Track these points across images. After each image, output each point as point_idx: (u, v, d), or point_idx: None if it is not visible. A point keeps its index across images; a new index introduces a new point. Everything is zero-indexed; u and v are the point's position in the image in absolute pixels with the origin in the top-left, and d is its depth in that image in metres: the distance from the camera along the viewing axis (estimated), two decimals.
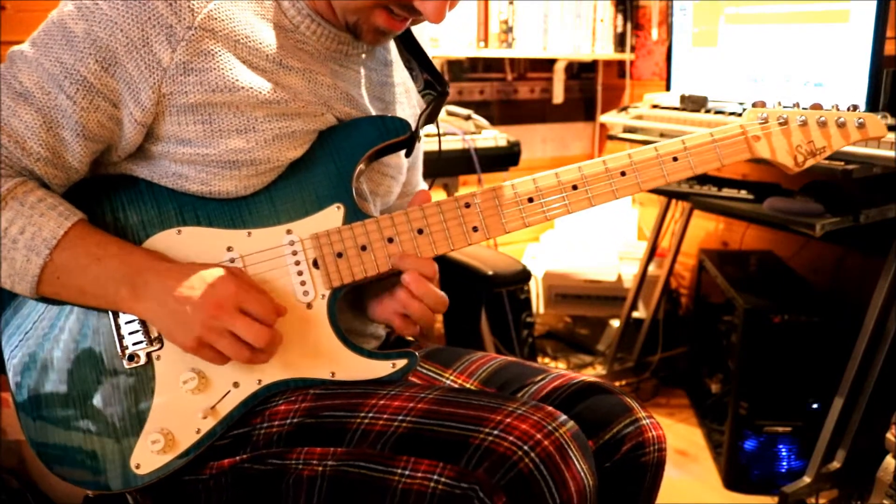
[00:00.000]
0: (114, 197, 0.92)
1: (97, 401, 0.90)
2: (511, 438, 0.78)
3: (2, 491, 1.30)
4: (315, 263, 0.91)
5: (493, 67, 2.96)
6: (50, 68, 0.84)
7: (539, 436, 0.79)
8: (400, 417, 0.83)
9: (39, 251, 0.84)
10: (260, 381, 0.90)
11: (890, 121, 1.64)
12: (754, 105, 0.99)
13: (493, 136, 2.22)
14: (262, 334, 0.83)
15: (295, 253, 0.91)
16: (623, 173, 0.94)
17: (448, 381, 1.04)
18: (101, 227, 0.90)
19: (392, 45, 1.05)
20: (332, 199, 0.91)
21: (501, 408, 0.82)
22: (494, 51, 2.76)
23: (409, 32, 1.01)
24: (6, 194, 0.85)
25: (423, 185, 1.19)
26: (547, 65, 3.08)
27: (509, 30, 2.77)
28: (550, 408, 0.84)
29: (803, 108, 0.99)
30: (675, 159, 0.95)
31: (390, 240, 0.91)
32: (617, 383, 2.61)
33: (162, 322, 0.85)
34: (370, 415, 0.85)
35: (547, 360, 2.81)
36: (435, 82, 1.01)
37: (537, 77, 3.09)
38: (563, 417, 0.83)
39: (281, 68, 0.89)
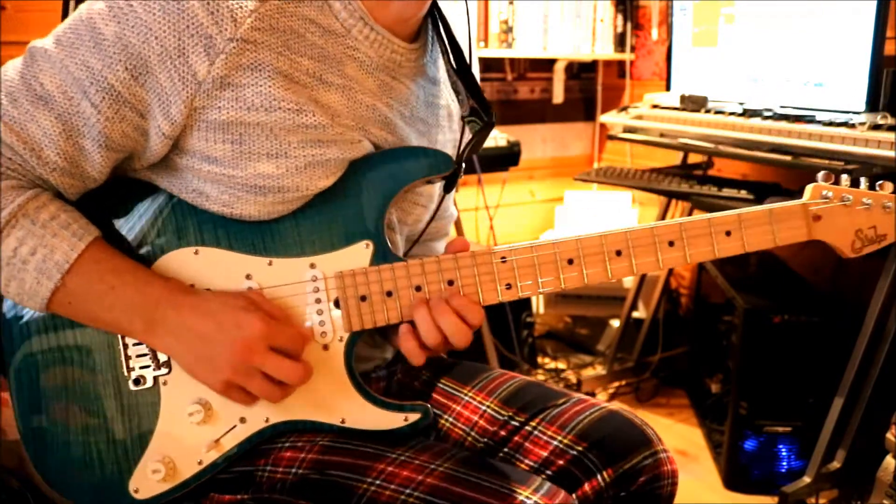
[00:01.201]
0: (132, 206, 0.87)
1: (98, 418, 0.87)
2: None
3: (2, 491, 1.30)
4: (336, 303, 0.86)
5: (493, 67, 2.96)
6: (75, 72, 0.78)
7: None
8: (408, 491, 0.81)
9: (51, 275, 0.80)
10: (268, 419, 0.87)
11: (890, 121, 1.64)
12: (820, 181, 0.93)
13: (493, 136, 2.22)
14: (296, 372, 0.81)
15: (317, 290, 0.86)
16: (671, 243, 0.89)
17: (466, 399, 1.02)
18: (116, 238, 0.86)
19: (441, 63, 0.97)
20: (361, 235, 0.86)
21: (513, 495, 0.79)
22: (494, 51, 2.76)
23: (460, 54, 0.94)
24: (17, 210, 0.79)
25: (454, 210, 1.12)
26: (547, 65, 3.08)
27: (509, 30, 2.77)
28: (563, 494, 0.82)
29: (870, 188, 0.94)
30: (727, 234, 0.90)
31: (418, 288, 0.86)
32: (616, 383, 2.62)
33: (185, 360, 0.83)
34: (377, 482, 0.82)
35: (547, 360, 2.81)
36: (482, 111, 0.93)
37: (537, 77, 3.09)
38: None
39: (321, 84, 0.83)
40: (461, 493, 0.80)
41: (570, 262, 0.88)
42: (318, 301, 0.86)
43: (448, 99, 1.00)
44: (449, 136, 1.01)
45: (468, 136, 0.96)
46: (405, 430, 0.87)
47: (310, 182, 0.84)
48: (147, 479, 0.86)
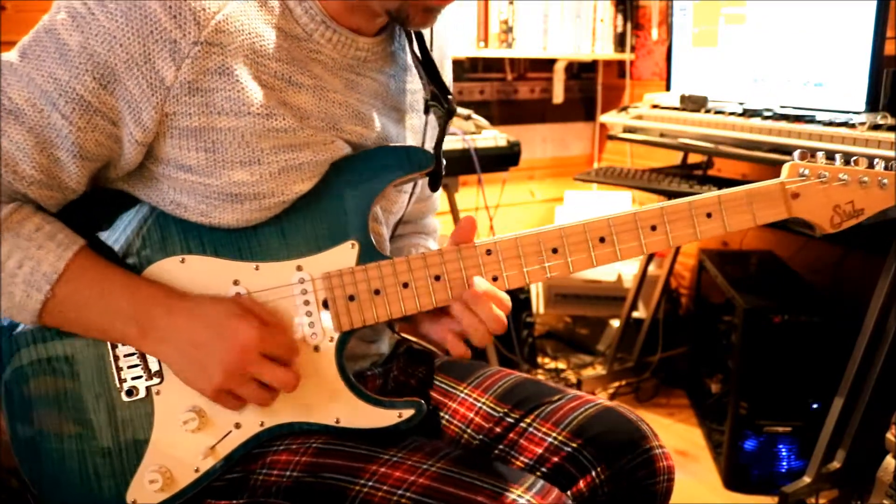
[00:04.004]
0: (115, 216, 0.87)
1: (93, 432, 0.87)
2: None
3: (2, 491, 1.30)
4: (325, 304, 0.86)
5: (493, 67, 2.96)
6: (42, 84, 0.77)
7: None
8: (400, 492, 0.81)
9: (40, 287, 0.79)
10: (262, 423, 0.87)
11: (890, 121, 1.64)
12: (796, 159, 0.94)
13: (493, 136, 2.22)
14: (288, 379, 0.81)
15: (305, 292, 0.86)
16: (654, 227, 0.90)
17: (462, 395, 1.02)
18: (102, 251, 0.85)
19: (408, 48, 0.98)
20: (346, 235, 0.86)
21: (506, 494, 0.79)
22: (494, 51, 2.76)
23: (421, 37, 0.95)
24: None
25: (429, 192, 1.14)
26: (547, 65, 3.07)
27: (509, 30, 2.77)
28: (556, 492, 0.82)
29: (845, 164, 0.94)
30: (708, 215, 0.91)
31: (405, 285, 0.87)
32: (616, 383, 2.62)
33: (177, 365, 0.83)
34: (370, 483, 0.82)
35: (547, 360, 2.81)
36: (441, 97, 0.93)
37: (537, 77, 3.09)
38: None
39: (290, 85, 0.83)
40: (453, 493, 0.80)
41: (555, 251, 0.89)
42: (306, 303, 0.86)
43: (419, 84, 0.99)
44: (416, 122, 1.00)
45: (433, 121, 0.97)
46: (400, 427, 0.88)
47: (285, 187, 0.84)
48: (144, 489, 0.86)
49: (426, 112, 0.96)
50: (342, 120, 0.88)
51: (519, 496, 0.79)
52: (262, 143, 0.82)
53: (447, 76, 1.07)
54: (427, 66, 0.94)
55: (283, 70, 0.83)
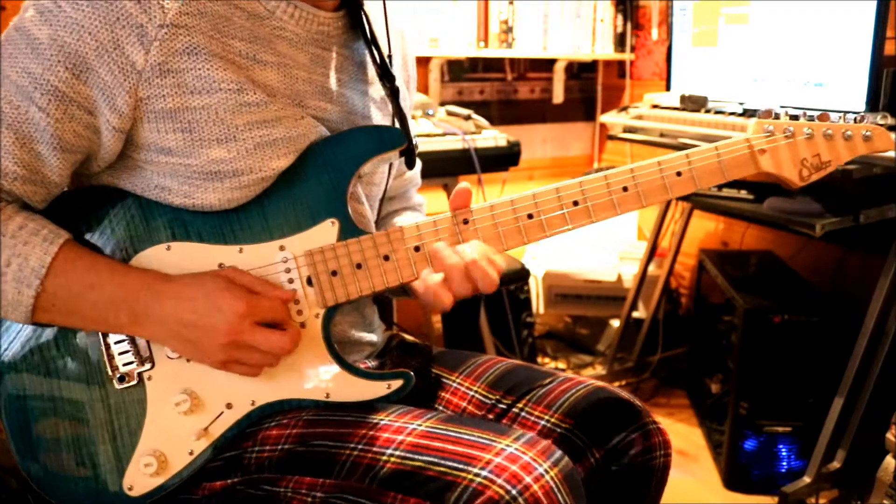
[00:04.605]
0: (99, 211, 0.88)
1: (87, 421, 0.88)
2: (499, 482, 0.76)
3: (2, 491, 1.30)
4: (309, 281, 0.88)
5: (493, 67, 2.96)
6: (17, 80, 0.79)
7: (529, 479, 0.76)
8: (388, 451, 0.82)
9: (30, 282, 0.81)
10: (254, 402, 0.88)
11: (890, 121, 1.64)
12: (760, 116, 0.97)
13: (492, 136, 2.22)
14: (284, 342, 0.83)
15: (288, 270, 0.88)
16: (625, 188, 0.92)
17: (454, 385, 1.03)
18: (88, 246, 0.87)
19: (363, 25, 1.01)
20: (326, 213, 0.89)
21: (492, 444, 0.80)
22: (494, 51, 2.76)
23: (365, 19, 0.97)
24: None
25: (417, 162, 1.14)
26: (547, 65, 3.07)
27: (509, 30, 2.77)
28: (545, 443, 0.82)
29: (809, 120, 0.96)
30: (678, 174, 0.93)
31: (386, 257, 0.89)
32: (617, 383, 2.62)
33: (177, 346, 0.85)
34: (359, 446, 0.83)
35: (547, 360, 2.81)
36: (385, 76, 0.97)
37: (537, 77, 3.09)
38: (557, 455, 0.81)
39: (256, 63, 0.86)
40: (440, 448, 0.81)
41: (530, 216, 0.91)
42: (290, 281, 0.88)
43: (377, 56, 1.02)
44: (383, 93, 1.02)
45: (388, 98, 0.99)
46: (390, 398, 0.89)
47: (262, 163, 0.86)
48: (140, 474, 0.87)
49: (382, 79, 0.99)
50: (307, 96, 0.91)
51: (507, 445, 0.80)
52: (237, 120, 0.84)
53: (409, 64, 1.12)
54: (372, 43, 0.97)
55: (247, 49, 0.85)
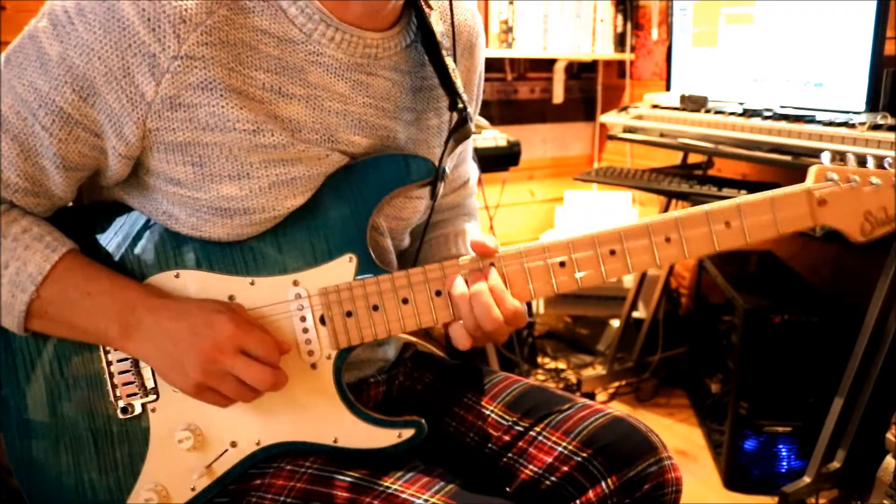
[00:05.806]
0: (110, 231, 0.85)
1: (89, 450, 0.86)
2: None
3: (2, 490, 1.30)
4: (322, 320, 0.84)
5: (493, 67, 2.95)
6: (23, 93, 0.75)
7: None
8: None
9: (25, 287, 0.78)
10: (259, 442, 0.86)
11: (890, 121, 1.64)
12: (823, 162, 0.87)
13: (493, 136, 2.22)
14: (265, 376, 0.78)
15: (301, 308, 0.84)
16: (668, 239, 0.84)
17: (470, 403, 1.01)
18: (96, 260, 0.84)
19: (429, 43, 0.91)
20: (344, 248, 0.84)
21: None
22: (494, 51, 2.76)
23: (435, 42, 0.88)
24: None
25: (474, 171, 1.07)
26: (547, 65, 3.07)
27: (509, 30, 2.77)
28: None
29: (878, 167, 0.87)
30: (727, 224, 0.85)
31: (405, 300, 0.84)
32: (616, 383, 2.62)
33: (157, 363, 0.81)
34: None
35: (547, 360, 2.81)
36: (461, 104, 0.88)
37: (537, 77, 3.09)
38: None
39: (281, 97, 0.79)
40: None
41: (562, 265, 0.84)
42: (303, 319, 0.84)
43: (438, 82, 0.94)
44: (434, 121, 0.95)
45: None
46: (400, 448, 0.86)
47: (276, 202, 0.82)
48: None
49: (451, 109, 0.90)
50: (338, 130, 0.84)
51: None
52: (251, 158, 0.79)
53: (476, 84, 1.03)
54: (437, 66, 0.89)
55: (271, 81, 0.79)
